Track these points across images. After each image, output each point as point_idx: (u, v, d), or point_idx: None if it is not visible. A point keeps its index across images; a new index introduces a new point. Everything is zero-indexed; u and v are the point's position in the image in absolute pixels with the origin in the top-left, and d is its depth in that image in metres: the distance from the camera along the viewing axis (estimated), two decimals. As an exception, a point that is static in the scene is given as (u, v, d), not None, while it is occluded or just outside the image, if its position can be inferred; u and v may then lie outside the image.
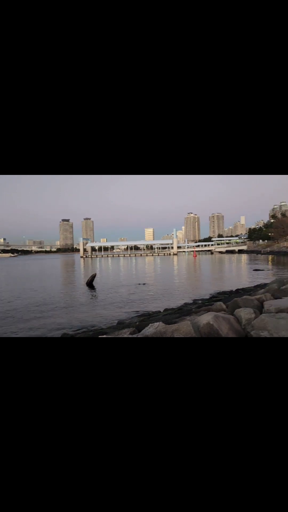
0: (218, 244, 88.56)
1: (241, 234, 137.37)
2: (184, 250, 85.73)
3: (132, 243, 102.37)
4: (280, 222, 65.48)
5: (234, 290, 10.98)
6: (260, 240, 76.71)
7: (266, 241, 71.56)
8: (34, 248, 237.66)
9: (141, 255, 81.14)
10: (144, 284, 15.71)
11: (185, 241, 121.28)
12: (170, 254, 77.00)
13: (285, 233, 59.86)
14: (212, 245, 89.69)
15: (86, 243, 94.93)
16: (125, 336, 3.23)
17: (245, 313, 2.86)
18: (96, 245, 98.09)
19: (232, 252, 70.79)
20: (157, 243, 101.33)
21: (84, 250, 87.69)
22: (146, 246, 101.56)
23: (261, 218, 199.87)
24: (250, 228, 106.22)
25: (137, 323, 5.62)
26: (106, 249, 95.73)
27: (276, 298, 3.79)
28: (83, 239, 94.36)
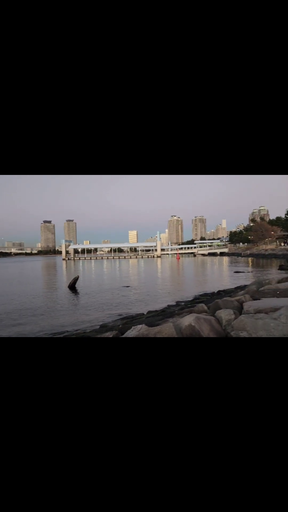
0: (200, 247, 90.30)
1: (223, 237, 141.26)
2: (168, 252, 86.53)
3: (115, 245, 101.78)
4: (258, 226, 68.13)
5: (216, 291, 11.23)
6: (241, 243, 79.25)
7: (246, 244, 74.05)
8: (14, 250, 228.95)
9: (124, 258, 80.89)
10: (128, 286, 15.65)
11: (168, 243, 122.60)
12: (153, 257, 77.39)
13: (263, 236, 62.35)
14: (195, 247, 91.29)
15: (69, 245, 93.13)
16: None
17: (225, 314, 2.94)
18: (79, 247, 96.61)
19: (214, 254, 72.48)
20: (141, 245, 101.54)
21: (67, 252, 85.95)
22: (130, 248, 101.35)
23: (242, 221, 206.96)
24: (231, 231, 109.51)
25: (120, 326, 5.58)
26: (89, 251, 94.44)
27: (255, 299, 3.92)
28: (66, 241, 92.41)
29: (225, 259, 49.06)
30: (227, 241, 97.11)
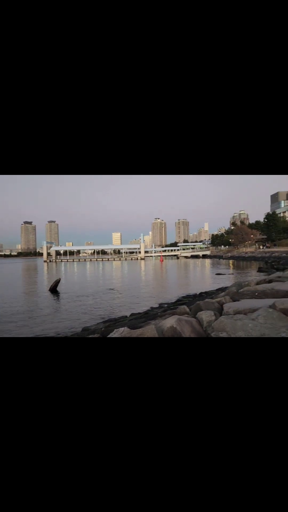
0: (183, 249, 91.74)
1: (205, 239, 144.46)
2: (151, 254, 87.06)
3: (99, 247, 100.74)
4: (239, 229, 70.38)
5: (198, 293, 11.42)
6: (222, 246, 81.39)
7: (227, 246, 76.17)
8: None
9: (108, 260, 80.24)
10: (111, 289, 15.51)
11: (152, 246, 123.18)
12: (137, 259, 77.46)
13: (243, 239, 64.47)
14: (178, 250, 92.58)
15: (50, 246, 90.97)
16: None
17: (206, 316, 2.99)
18: (61, 249, 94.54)
19: (196, 257, 73.85)
20: (124, 247, 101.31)
21: (48, 254, 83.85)
22: (114, 250, 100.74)
23: (223, 225, 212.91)
24: (213, 234, 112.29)
25: (102, 329, 5.51)
26: (71, 253, 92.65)
27: (234, 301, 4.03)
28: (47, 242, 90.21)
29: (207, 261, 50.13)
30: (209, 243, 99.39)
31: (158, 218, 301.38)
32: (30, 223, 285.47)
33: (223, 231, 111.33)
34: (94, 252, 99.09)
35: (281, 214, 69.91)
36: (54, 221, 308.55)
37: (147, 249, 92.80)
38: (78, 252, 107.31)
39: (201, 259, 61.49)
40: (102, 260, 79.03)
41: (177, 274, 26.59)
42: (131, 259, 77.96)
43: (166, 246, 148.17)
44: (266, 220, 62.24)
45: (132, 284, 18.48)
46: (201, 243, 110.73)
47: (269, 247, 53.98)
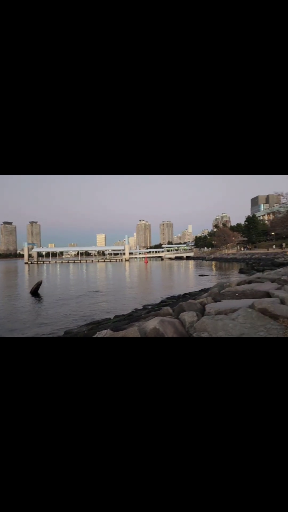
0: (168, 251, 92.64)
1: (189, 241, 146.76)
2: (136, 256, 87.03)
3: (83, 248, 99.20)
4: (221, 231, 72.26)
5: (182, 294, 11.56)
6: (205, 248, 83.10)
7: (210, 248, 77.87)
8: None
9: (92, 261, 79.25)
10: (95, 291, 15.31)
11: (137, 247, 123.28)
12: (122, 260, 77.13)
13: (225, 241, 66.24)
14: (162, 251, 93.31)
15: (32, 248, 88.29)
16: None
17: (188, 316, 3.03)
18: (43, 250, 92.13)
19: (180, 258, 74.80)
20: (109, 249, 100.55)
21: (29, 255, 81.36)
22: (98, 252, 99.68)
23: (206, 227, 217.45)
24: (196, 236, 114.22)
25: (85, 331, 5.42)
26: (54, 254, 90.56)
27: (216, 301, 4.12)
28: (28, 243, 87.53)
29: (191, 262, 50.95)
30: (192, 245, 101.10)
31: (143, 220, 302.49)
32: (10, 223, 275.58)
33: (206, 233, 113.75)
34: (77, 253, 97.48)
35: (261, 217, 72.63)
36: (35, 222, 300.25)
37: (131, 251, 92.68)
38: (61, 253, 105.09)
39: (185, 261, 62.39)
40: (86, 262, 77.91)
41: (161, 275, 26.76)
42: (116, 261, 77.48)
43: (151, 247, 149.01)
44: (246, 223, 64.48)
45: (117, 285, 18.35)
46: (185, 245, 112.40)
47: (249, 249, 55.85)
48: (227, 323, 2.64)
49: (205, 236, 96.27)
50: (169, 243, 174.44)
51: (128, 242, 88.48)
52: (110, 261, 76.53)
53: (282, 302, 3.34)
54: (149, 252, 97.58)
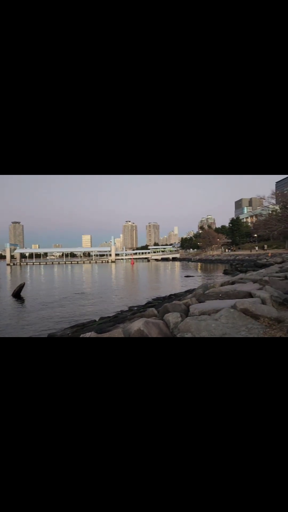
0: (154, 252, 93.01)
1: (175, 243, 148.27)
2: (122, 257, 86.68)
3: (68, 249, 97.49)
4: (206, 233, 73.53)
5: (168, 295, 11.64)
6: (191, 249, 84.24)
7: (195, 250, 79.03)
8: None
9: (77, 263, 78.05)
10: (80, 293, 15.08)
11: (123, 248, 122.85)
12: (108, 262, 76.54)
13: (210, 243, 67.50)
14: (148, 253, 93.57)
15: (14, 249, 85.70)
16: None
17: (172, 317, 3.06)
18: (27, 251, 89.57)
19: (167, 259, 75.32)
20: (95, 250, 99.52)
21: (12, 257, 78.89)
22: (84, 253, 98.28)
23: (192, 229, 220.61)
24: (182, 238, 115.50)
25: (69, 334, 5.32)
26: (38, 256, 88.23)
27: (200, 302, 4.18)
28: (11, 244, 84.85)
29: (177, 264, 51.44)
30: (178, 247, 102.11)
31: (129, 221, 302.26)
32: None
33: (192, 234, 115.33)
34: (62, 254, 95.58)
35: (244, 220, 74.71)
36: (18, 222, 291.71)
37: (118, 252, 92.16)
38: (45, 254, 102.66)
39: (171, 262, 62.88)
40: (71, 263, 76.64)
41: (147, 276, 26.82)
42: (102, 262, 76.77)
43: (137, 249, 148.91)
44: (231, 225, 66.12)
45: (102, 287, 18.18)
46: (171, 246, 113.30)
47: (233, 250, 57.24)
48: (210, 323, 2.69)
49: (190, 238, 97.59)
50: (156, 244, 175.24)
51: (114, 243, 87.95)
52: (96, 263, 75.72)
53: (263, 302, 3.44)
54: (136, 253, 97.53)
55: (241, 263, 30.93)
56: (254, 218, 68.88)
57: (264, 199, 27.32)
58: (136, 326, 2.74)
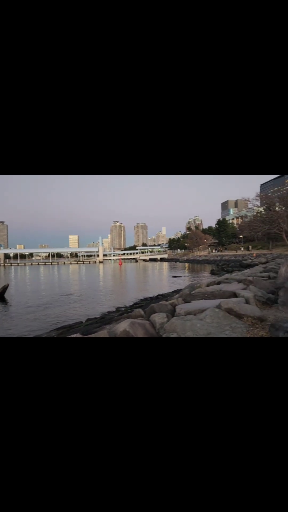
0: (142, 253, 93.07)
1: (163, 243, 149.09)
2: (110, 258, 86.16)
3: (54, 250, 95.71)
4: (193, 234, 74.52)
5: (155, 296, 11.67)
6: (179, 250, 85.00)
7: (183, 250, 79.84)
8: None
9: (64, 263, 76.80)
10: (67, 294, 14.83)
11: (111, 249, 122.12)
12: (96, 262, 75.82)
13: (198, 243, 68.46)
14: (136, 253, 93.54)
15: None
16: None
17: (159, 318, 3.07)
18: (11, 252, 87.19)
19: (155, 260, 75.62)
20: (82, 250, 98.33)
21: (-4, 257, 76.53)
22: (71, 253, 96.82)
23: (179, 229, 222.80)
24: (170, 238, 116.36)
25: (54, 336, 5.22)
26: (23, 256, 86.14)
27: (186, 302, 4.22)
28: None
29: (165, 264, 51.74)
30: (166, 247, 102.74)
31: (117, 221, 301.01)
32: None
33: (179, 235, 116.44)
34: (49, 255, 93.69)
35: (230, 221, 76.31)
36: (2, 222, 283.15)
37: (105, 252, 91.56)
38: (31, 255, 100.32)
39: (159, 262, 63.16)
40: (58, 264, 75.28)
41: (135, 277, 26.79)
42: (89, 263, 75.93)
43: (125, 249, 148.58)
44: (217, 226, 67.34)
45: (90, 288, 17.97)
46: (159, 247, 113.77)
47: (220, 251, 58.29)
48: (195, 323, 2.72)
49: (178, 239, 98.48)
50: (144, 245, 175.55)
51: (102, 243, 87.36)
52: (83, 263, 74.82)
53: (247, 301, 3.53)
54: (124, 254, 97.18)
55: (227, 263, 31.56)
56: (239, 219, 70.53)
57: (249, 201, 28.02)
58: (122, 327, 2.73)
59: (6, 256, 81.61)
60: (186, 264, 45.50)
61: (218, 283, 6.43)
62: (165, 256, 79.34)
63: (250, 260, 26.60)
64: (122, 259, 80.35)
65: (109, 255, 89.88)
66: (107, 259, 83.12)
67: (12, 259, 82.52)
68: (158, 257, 79.36)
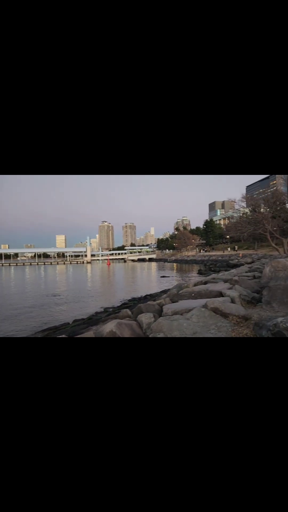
0: (131, 253, 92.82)
1: (151, 243, 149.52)
2: (98, 258, 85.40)
3: (40, 250, 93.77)
4: (181, 234, 75.24)
5: (143, 296, 11.68)
6: (167, 250, 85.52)
7: (171, 250, 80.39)
8: None
9: (51, 264, 75.40)
10: (53, 295, 14.56)
11: (99, 249, 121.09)
12: (83, 262, 74.90)
13: (186, 244, 69.18)
14: (125, 253, 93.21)
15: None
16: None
17: (145, 318, 3.07)
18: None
19: (143, 260, 75.63)
20: (69, 250, 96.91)
21: (-21, 257, 74.00)
22: (58, 254, 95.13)
23: (168, 230, 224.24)
24: (158, 239, 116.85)
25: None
26: (8, 256, 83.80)
27: (174, 302, 4.25)
28: (-23, 244, 79.47)
29: (153, 264, 51.89)
30: (155, 247, 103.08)
31: (105, 221, 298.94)
32: None
33: (168, 235, 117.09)
34: (35, 255, 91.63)
35: (217, 222, 77.64)
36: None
37: (93, 253, 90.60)
38: (16, 255, 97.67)
39: (147, 263, 63.24)
40: (44, 264, 73.79)
41: (124, 277, 26.70)
42: (77, 263, 74.94)
43: (113, 249, 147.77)
44: (205, 226, 68.34)
45: (77, 289, 17.73)
46: (147, 247, 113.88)
47: (207, 251, 59.19)
48: (182, 323, 2.74)
49: (166, 239, 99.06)
50: (132, 245, 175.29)
51: (90, 243, 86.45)
52: (70, 263, 73.74)
53: (232, 301, 3.59)
54: (112, 254, 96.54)
55: (215, 263, 32.09)
56: (226, 220, 71.87)
57: (235, 202, 28.61)
58: (108, 328, 2.71)
59: (-10, 256, 79.13)
60: (175, 264, 45.84)
61: (205, 282, 6.52)
62: (154, 256, 79.55)
63: (237, 260, 27.16)
64: (110, 259, 79.84)
65: (97, 255, 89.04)
66: (95, 259, 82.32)
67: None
68: (147, 257, 79.46)
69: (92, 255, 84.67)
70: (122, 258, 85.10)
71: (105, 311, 9.10)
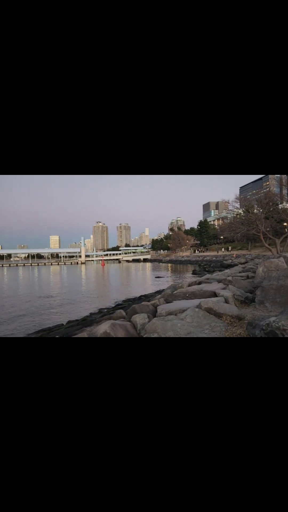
0: (125, 253, 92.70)
1: (146, 244, 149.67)
2: (93, 259, 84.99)
3: (34, 250, 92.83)
4: (176, 234, 75.51)
5: (137, 296, 11.66)
6: (162, 250, 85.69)
7: (166, 251, 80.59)
8: None
9: (45, 264, 74.73)
10: (47, 296, 14.42)
11: (93, 249, 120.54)
12: (78, 263, 74.46)
13: (180, 244, 69.45)
14: (120, 254, 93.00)
15: (-26, 250, 79.19)
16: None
17: (140, 318, 3.06)
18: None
19: (138, 260, 75.64)
20: (63, 251, 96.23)
21: None
22: (52, 254, 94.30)
23: (162, 230, 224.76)
24: (153, 239, 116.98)
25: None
26: (1, 257, 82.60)
27: (168, 302, 4.25)
28: None
29: (148, 265, 51.92)
30: (149, 248, 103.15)
31: (100, 222, 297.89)
32: None
33: (162, 236, 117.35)
34: (28, 256, 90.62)
35: (212, 222, 78.21)
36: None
37: (88, 253, 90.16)
38: (9, 256, 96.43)
39: (142, 263, 63.28)
40: (38, 265, 73.08)
41: (119, 278, 26.63)
42: (71, 264, 74.43)
43: (108, 250, 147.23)
44: (199, 227, 68.74)
45: (72, 290, 17.60)
46: (142, 247, 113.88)
47: (202, 252, 59.55)
48: (176, 323, 2.74)
49: (161, 239, 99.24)
50: (127, 245, 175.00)
51: (85, 244, 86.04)
52: (65, 264, 73.21)
53: (226, 301, 3.62)
54: (107, 254, 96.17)
55: (209, 263, 32.28)
56: (220, 221, 72.45)
57: (229, 203, 28.88)
58: (102, 328, 2.69)
59: (-18, 257, 77.96)
60: (169, 265, 45.95)
61: (199, 283, 6.55)
62: (148, 256, 79.60)
63: (231, 261, 27.41)
64: (105, 259, 79.52)
65: (92, 256, 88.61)
66: (89, 260, 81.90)
67: (-12, 260, 79.00)
68: (141, 257, 79.45)
69: (87, 256, 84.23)
70: (117, 259, 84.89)
71: (100, 312, 9.05)
